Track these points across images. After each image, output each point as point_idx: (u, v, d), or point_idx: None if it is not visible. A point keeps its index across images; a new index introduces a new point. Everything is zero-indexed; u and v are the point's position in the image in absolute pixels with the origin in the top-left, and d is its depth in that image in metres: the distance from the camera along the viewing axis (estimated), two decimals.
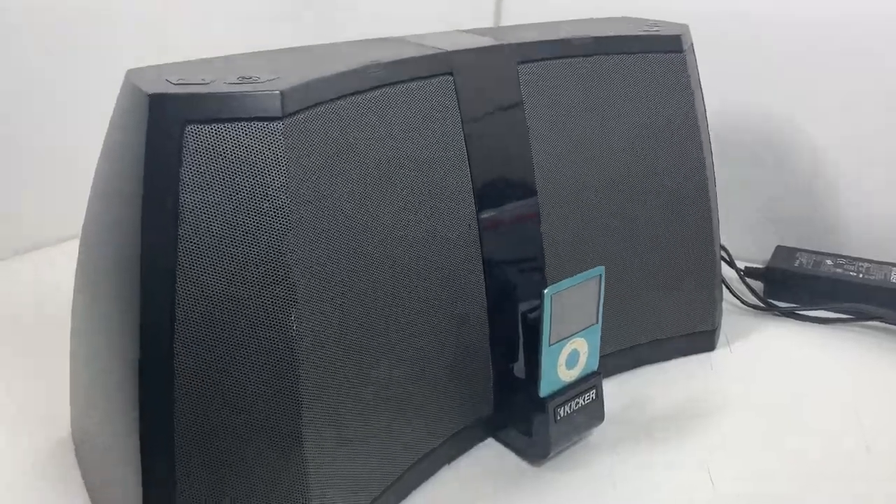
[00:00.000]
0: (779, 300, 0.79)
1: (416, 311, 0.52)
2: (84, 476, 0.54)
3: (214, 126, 0.41)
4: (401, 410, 0.52)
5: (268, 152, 0.42)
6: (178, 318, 0.41)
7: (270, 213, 0.42)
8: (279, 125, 0.42)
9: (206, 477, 0.43)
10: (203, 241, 0.41)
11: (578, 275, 0.54)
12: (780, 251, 0.84)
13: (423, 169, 0.52)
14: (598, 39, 0.62)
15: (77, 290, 0.52)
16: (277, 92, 0.42)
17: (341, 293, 0.46)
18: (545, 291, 0.52)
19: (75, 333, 0.53)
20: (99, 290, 0.47)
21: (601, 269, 0.55)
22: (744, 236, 0.87)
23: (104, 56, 0.83)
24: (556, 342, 0.54)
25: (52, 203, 0.85)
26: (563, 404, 0.56)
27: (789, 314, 0.77)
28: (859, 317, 0.75)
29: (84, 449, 0.54)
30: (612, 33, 0.64)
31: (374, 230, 0.49)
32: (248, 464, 0.43)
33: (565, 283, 0.53)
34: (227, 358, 0.42)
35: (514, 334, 0.57)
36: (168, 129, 0.41)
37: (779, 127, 0.87)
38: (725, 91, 0.83)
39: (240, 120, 0.41)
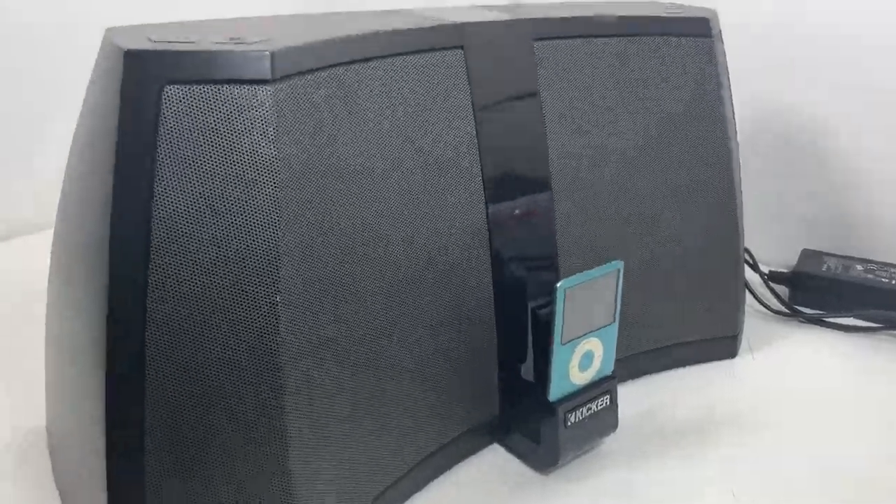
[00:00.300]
0: (805, 306, 0.76)
1: (416, 303, 0.49)
2: (54, 469, 0.52)
3: (196, 87, 0.37)
4: (396, 411, 0.49)
5: (254, 119, 0.38)
6: (151, 298, 0.38)
7: (255, 186, 0.39)
8: (268, 89, 0.38)
9: (178, 473, 0.39)
10: (180, 216, 0.38)
11: (594, 269, 0.51)
12: (807, 255, 0.81)
13: (428, 149, 0.49)
14: (621, 19, 0.60)
15: (51, 273, 0.50)
16: (267, 53, 0.38)
17: (333, 280, 0.43)
18: (557, 285, 0.49)
19: (50, 317, 0.50)
20: (70, 271, 0.44)
21: (619, 263, 0.52)
22: (768, 238, 0.85)
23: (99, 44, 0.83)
24: (569, 341, 0.51)
25: (34, 189, 0.84)
26: (574, 409, 0.53)
27: (815, 321, 0.75)
28: (889, 325, 0.73)
29: (55, 439, 0.51)
30: (635, 13, 0.61)
31: (369, 213, 0.45)
32: (225, 460, 0.40)
33: (580, 277, 0.50)
34: (204, 341, 0.39)
35: (522, 333, 0.54)
36: (145, 91, 0.37)
37: (806, 124, 0.84)
38: (746, 86, 0.79)
39: (224, 82, 0.38)
